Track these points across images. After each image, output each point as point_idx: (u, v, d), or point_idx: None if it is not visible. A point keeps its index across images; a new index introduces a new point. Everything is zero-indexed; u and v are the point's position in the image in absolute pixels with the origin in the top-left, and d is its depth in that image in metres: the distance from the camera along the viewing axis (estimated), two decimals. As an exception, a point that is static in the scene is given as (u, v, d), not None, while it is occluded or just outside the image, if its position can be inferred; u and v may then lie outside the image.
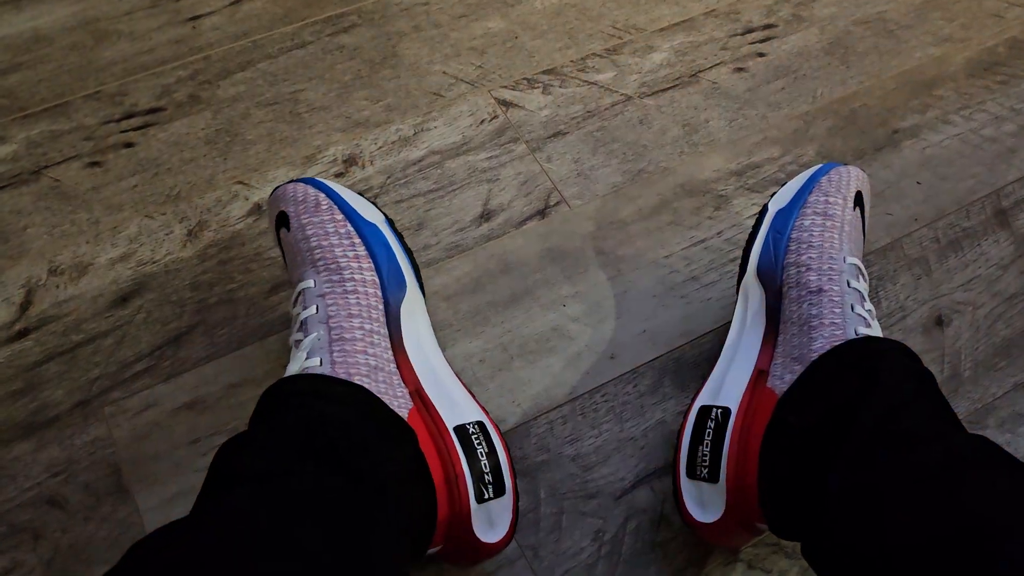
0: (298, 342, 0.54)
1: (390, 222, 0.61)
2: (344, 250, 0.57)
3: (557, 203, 0.75)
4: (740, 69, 0.85)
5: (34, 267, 0.69)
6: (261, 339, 0.66)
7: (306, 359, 0.52)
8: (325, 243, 0.57)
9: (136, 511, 0.59)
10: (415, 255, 0.68)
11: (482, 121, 0.79)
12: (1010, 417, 0.66)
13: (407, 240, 0.70)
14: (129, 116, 0.78)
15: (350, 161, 0.76)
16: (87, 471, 0.61)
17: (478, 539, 0.52)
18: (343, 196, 0.60)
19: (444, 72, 0.82)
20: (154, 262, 0.70)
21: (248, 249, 0.71)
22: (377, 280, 0.57)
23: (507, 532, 0.54)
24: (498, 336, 0.67)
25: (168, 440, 0.62)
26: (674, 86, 0.83)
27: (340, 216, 0.58)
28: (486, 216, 0.74)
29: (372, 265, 0.57)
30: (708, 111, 0.81)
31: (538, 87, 0.82)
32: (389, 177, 0.75)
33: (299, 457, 0.44)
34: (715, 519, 0.53)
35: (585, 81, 0.83)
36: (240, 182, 0.75)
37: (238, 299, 0.68)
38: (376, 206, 0.62)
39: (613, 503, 0.61)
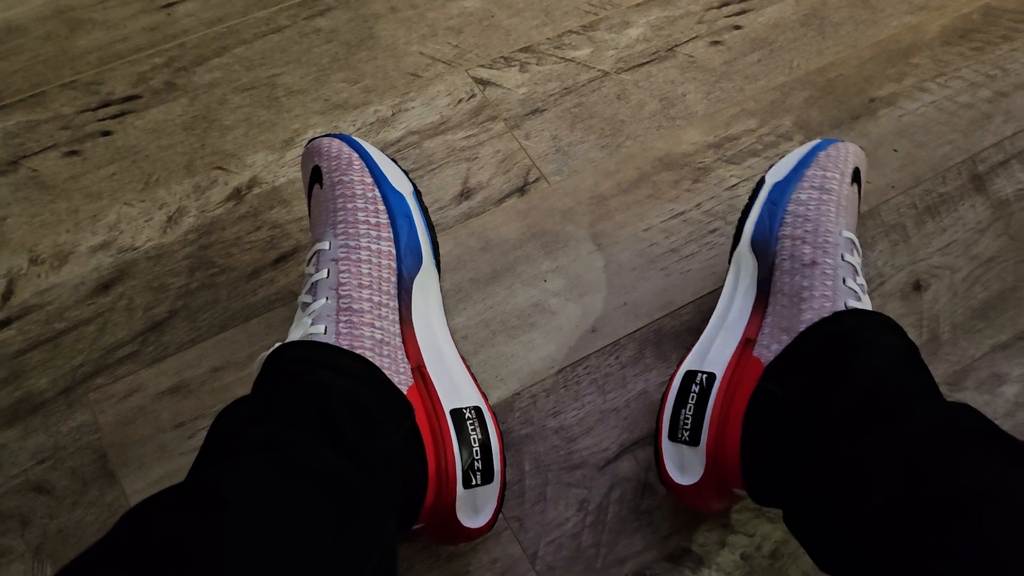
0: (306, 305, 0.54)
1: (418, 194, 0.60)
2: (367, 215, 0.56)
3: (536, 180, 0.75)
4: (716, 42, 0.85)
5: (15, 257, 0.69)
6: (243, 322, 0.67)
7: (311, 324, 0.52)
8: (350, 205, 0.56)
9: (123, 495, 0.60)
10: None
11: (460, 100, 0.79)
12: (988, 378, 0.67)
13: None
14: (106, 104, 0.78)
15: (328, 143, 0.76)
16: (73, 457, 0.61)
17: (460, 523, 0.52)
18: (375, 159, 0.59)
19: (421, 52, 0.82)
20: (135, 249, 0.70)
21: (228, 234, 0.71)
22: (394, 251, 0.56)
23: (490, 519, 0.54)
24: (480, 312, 0.68)
25: (153, 424, 0.62)
26: (651, 61, 0.83)
27: (369, 179, 0.58)
28: (466, 194, 0.74)
29: (391, 235, 0.56)
30: (685, 85, 0.82)
31: (515, 65, 0.82)
32: (368, 158, 0.75)
33: (298, 428, 0.44)
34: (693, 482, 0.53)
35: (562, 58, 0.83)
36: (219, 167, 0.75)
37: (219, 283, 0.68)
38: (407, 176, 0.61)
39: (597, 473, 0.62)
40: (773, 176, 0.62)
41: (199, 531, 0.33)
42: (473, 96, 0.80)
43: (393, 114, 0.78)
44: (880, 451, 0.43)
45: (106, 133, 0.76)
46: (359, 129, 0.77)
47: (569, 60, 0.83)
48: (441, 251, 0.70)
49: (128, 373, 0.64)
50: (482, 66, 0.82)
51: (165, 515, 0.35)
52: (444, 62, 0.82)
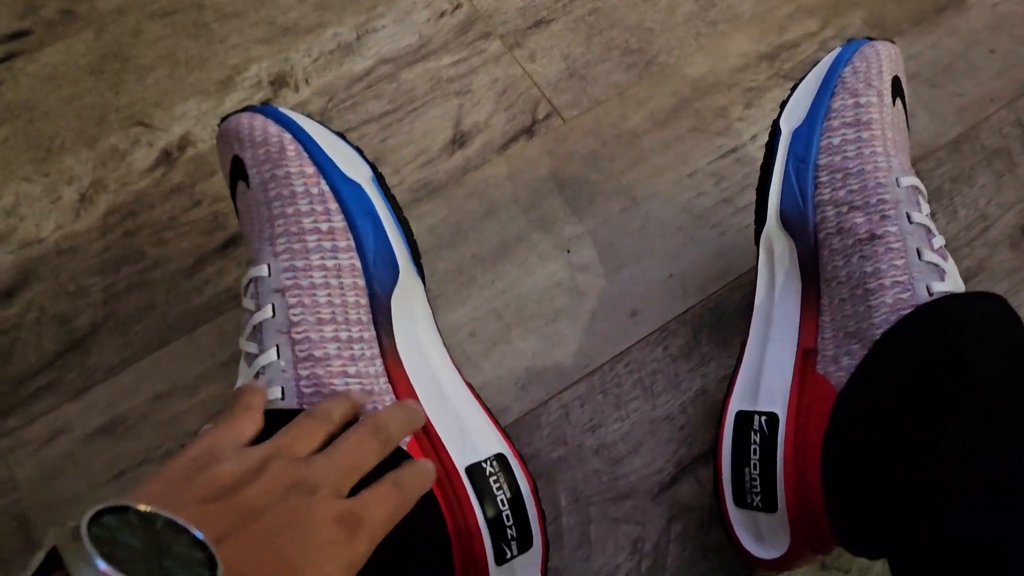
0: (251, 357, 0.40)
1: (378, 178, 0.45)
2: (316, 220, 0.42)
3: (547, 115, 0.60)
4: (762, -83, 0.67)
5: None
6: (188, 332, 0.53)
7: (266, 389, 0.39)
8: (290, 209, 0.42)
9: (55, 572, 0.47)
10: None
11: (442, 14, 0.63)
12: (1121, 343, 0.54)
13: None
14: (-15, 45, 0.61)
15: (279, 82, 0.60)
16: (-14, 526, 0.48)
17: None
18: (316, 139, 0.44)
19: (387, -48, 0.65)
20: (41, 241, 0.55)
21: (159, 213, 0.56)
22: (358, 265, 0.42)
23: None
24: (489, 299, 0.54)
25: (85, 475, 0.49)
26: (681, -53, 0.66)
27: (311, 168, 0.43)
28: (459, 141, 0.59)
29: (351, 243, 0.42)
30: (726, -23, 0.65)
31: (509, -38, 0.65)
32: (331, 99, 0.59)
33: None
34: (779, 555, 0.42)
35: (568, -51, 0.65)
36: (140, 123, 0.59)
37: (154, 281, 0.54)
38: (361, 154, 0.46)
39: (651, 503, 0.50)
40: (789, 120, 0.47)
41: None
42: (459, 7, 0.63)
43: (358, 37, 0.62)
44: (1008, 484, 0.34)
45: (-10, 84, 0.60)
46: (316, 60, 0.61)
47: (578, -49, 0.65)
48: (433, 218, 0.56)
49: (48, 410, 0.51)
50: (467, -34, 0.64)
51: None
52: (418, -37, 0.64)
